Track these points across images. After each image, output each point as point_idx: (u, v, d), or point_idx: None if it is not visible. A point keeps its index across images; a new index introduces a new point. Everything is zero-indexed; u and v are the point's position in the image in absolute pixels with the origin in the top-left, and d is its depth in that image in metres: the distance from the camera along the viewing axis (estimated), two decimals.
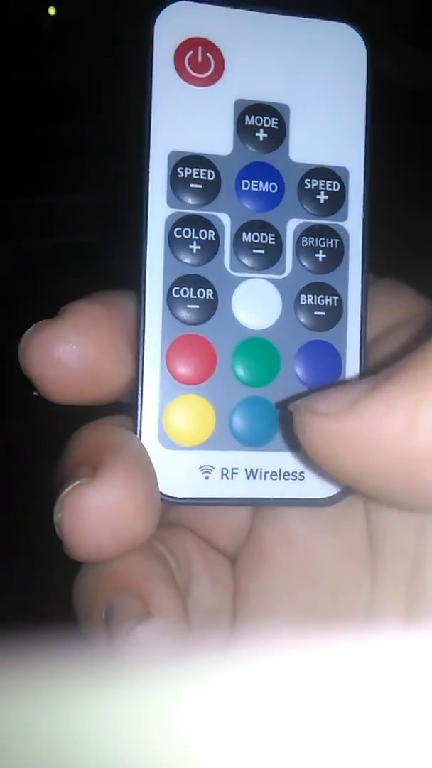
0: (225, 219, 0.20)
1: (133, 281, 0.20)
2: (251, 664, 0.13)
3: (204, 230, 0.20)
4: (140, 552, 0.18)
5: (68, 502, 0.17)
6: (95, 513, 0.17)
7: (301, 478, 0.20)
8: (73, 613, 0.19)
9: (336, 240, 0.20)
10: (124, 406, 0.20)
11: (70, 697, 0.16)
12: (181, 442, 0.19)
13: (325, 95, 0.21)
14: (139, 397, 0.19)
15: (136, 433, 0.19)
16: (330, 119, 0.21)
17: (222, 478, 0.20)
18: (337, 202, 0.21)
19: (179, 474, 0.19)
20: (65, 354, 0.18)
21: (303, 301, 0.20)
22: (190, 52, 0.20)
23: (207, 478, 0.20)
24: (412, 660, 0.14)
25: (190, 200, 0.20)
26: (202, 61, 0.20)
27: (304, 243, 0.20)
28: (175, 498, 0.19)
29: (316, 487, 0.20)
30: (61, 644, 0.18)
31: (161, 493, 0.19)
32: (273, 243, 0.20)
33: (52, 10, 0.58)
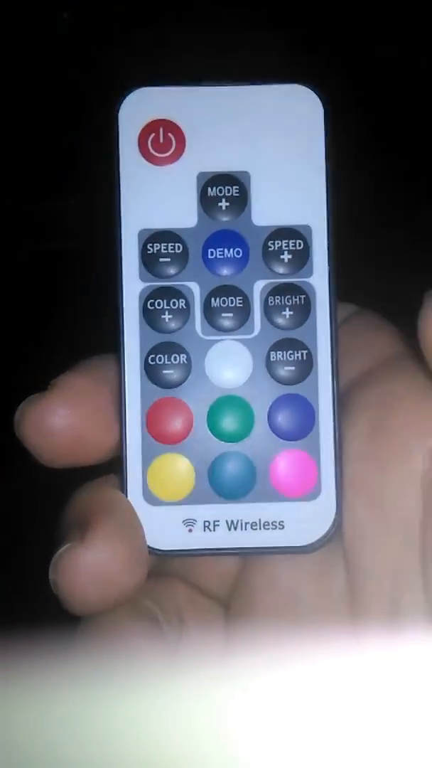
0: (194, 287, 0.21)
1: (113, 344, 0.22)
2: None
3: (175, 300, 0.21)
4: (127, 610, 0.20)
5: (60, 564, 0.19)
6: (83, 572, 0.19)
7: (281, 527, 0.21)
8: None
9: (302, 296, 0.21)
10: (117, 463, 0.22)
11: (117, 697, 0.18)
12: (165, 498, 0.21)
13: (284, 157, 0.21)
14: (124, 459, 0.21)
15: (123, 491, 0.21)
16: (290, 180, 0.21)
17: (204, 530, 0.21)
18: (302, 259, 0.21)
19: (164, 528, 0.21)
20: (55, 425, 0.20)
21: (273, 357, 0.21)
22: (153, 135, 0.22)
23: (190, 530, 0.21)
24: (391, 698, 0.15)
25: (160, 273, 0.21)
26: (164, 141, 0.21)
27: (271, 302, 0.21)
28: (161, 551, 0.21)
29: (296, 535, 0.21)
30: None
31: (148, 547, 0.21)
32: (240, 305, 0.21)
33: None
